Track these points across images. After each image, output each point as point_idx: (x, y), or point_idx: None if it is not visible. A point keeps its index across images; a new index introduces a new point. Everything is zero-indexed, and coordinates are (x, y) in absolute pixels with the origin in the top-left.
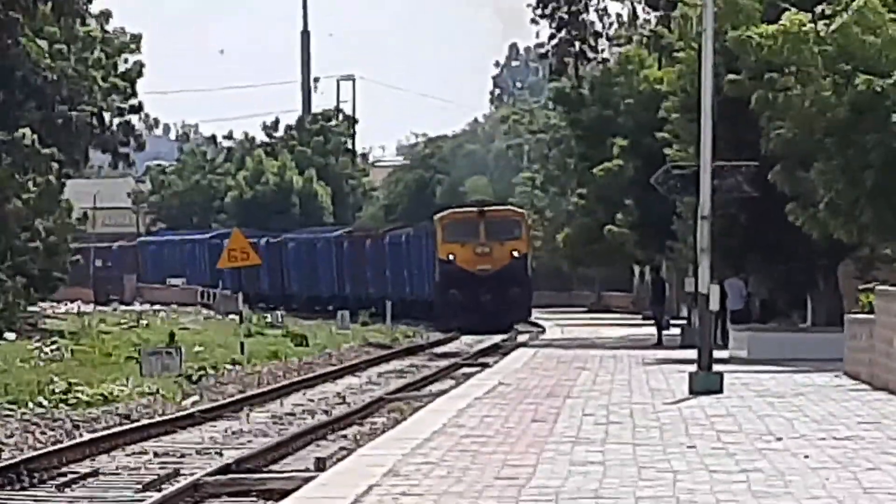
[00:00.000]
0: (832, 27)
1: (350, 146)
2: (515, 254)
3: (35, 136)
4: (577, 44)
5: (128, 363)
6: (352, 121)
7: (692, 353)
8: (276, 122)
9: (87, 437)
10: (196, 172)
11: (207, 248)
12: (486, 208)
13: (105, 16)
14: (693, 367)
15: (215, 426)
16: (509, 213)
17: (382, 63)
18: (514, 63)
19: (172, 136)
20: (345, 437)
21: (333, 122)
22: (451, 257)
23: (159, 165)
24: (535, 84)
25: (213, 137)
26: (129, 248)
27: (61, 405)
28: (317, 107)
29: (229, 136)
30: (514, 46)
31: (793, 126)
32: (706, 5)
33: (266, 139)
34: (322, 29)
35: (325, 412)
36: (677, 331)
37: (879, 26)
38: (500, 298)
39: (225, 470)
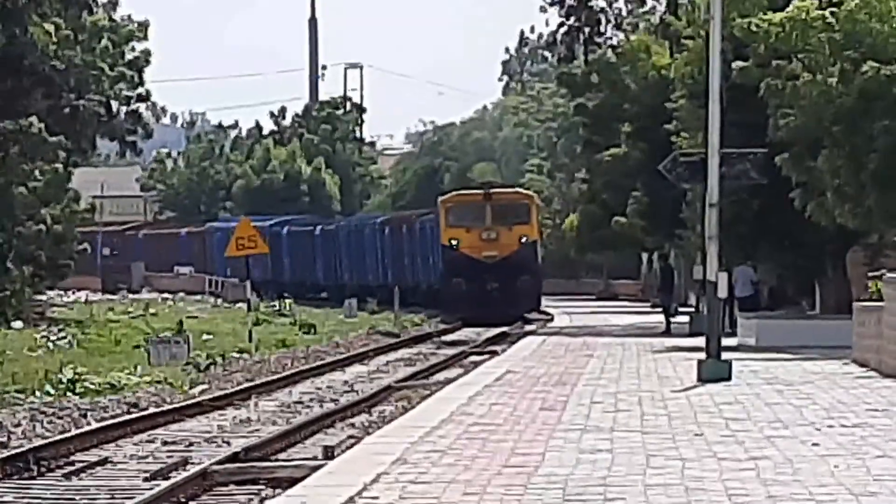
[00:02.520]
0: (839, 14)
1: (358, 134)
2: (524, 239)
3: (42, 125)
4: (586, 30)
5: (136, 352)
6: (359, 109)
7: (701, 341)
8: (283, 110)
9: (94, 425)
10: (203, 160)
11: (268, 234)
12: (492, 190)
13: (112, 4)
14: (701, 355)
15: (223, 414)
16: (517, 195)
17: (390, 51)
18: (523, 49)
19: (179, 124)
20: (353, 425)
21: (341, 111)
22: (454, 243)
23: (165, 152)
24: (544, 71)
25: (221, 125)
26: (197, 234)
27: (69, 394)
28: (324, 95)
29: (234, 126)
30: (525, 32)
31: (801, 113)
32: None
33: (274, 127)
34: (329, 17)
35: (334, 400)
36: (686, 318)
37: (886, 13)
38: (507, 287)
39: (233, 458)
